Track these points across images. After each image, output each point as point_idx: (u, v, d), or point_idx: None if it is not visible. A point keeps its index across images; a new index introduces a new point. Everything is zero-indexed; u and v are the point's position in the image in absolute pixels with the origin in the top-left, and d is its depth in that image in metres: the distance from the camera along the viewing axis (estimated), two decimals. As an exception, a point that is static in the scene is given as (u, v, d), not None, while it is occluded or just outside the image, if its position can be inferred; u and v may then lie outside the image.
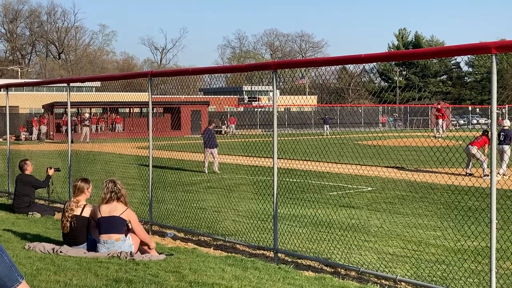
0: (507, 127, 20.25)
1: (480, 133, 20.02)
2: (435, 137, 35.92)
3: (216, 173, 20.83)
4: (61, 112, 47.76)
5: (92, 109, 52.35)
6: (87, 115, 43.51)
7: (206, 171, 21.13)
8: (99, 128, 50.78)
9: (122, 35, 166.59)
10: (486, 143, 19.32)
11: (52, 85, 19.59)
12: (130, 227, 8.69)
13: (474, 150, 19.43)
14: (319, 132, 47.25)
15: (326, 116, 53.02)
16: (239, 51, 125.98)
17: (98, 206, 8.73)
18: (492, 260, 6.68)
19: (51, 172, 13.30)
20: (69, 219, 8.81)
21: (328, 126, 50.60)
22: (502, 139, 19.78)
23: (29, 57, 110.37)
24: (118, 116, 52.28)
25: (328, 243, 9.48)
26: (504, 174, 18.86)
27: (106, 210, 8.58)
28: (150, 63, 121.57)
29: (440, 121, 40.19)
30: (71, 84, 14.43)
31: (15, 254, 8.24)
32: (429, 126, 56.59)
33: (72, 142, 14.35)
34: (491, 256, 6.69)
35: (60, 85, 17.18)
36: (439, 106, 43.28)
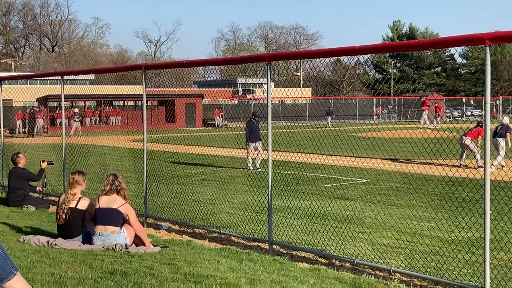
0: (506, 123, 20.33)
1: (475, 124, 20.08)
2: (423, 128, 36.13)
3: (257, 169, 19.41)
4: (55, 105, 47.61)
5: (86, 102, 52.22)
6: (76, 109, 43.31)
7: (251, 168, 19.59)
8: (93, 121, 50.68)
9: (116, 28, 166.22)
10: (480, 135, 19.36)
11: (45, 78, 19.53)
12: (127, 218, 8.72)
13: (467, 141, 19.48)
14: (314, 124, 47.21)
15: (330, 108, 53.12)
16: (233, 44, 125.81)
17: (97, 197, 8.79)
18: (486, 251, 6.71)
19: (44, 165, 13.28)
20: (65, 211, 8.83)
21: (331, 118, 50.70)
22: (499, 131, 19.82)
23: (22, 50, 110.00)
24: (113, 109, 52.16)
25: (323, 235, 9.50)
26: (503, 166, 18.76)
27: (105, 202, 8.63)
28: (144, 56, 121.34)
29: (425, 112, 40.60)
30: (65, 77, 14.40)
31: (10, 247, 8.24)
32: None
33: (32, 136, 14.35)
34: (485, 247, 6.72)
35: (54, 78, 17.15)
36: (423, 98, 43.70)
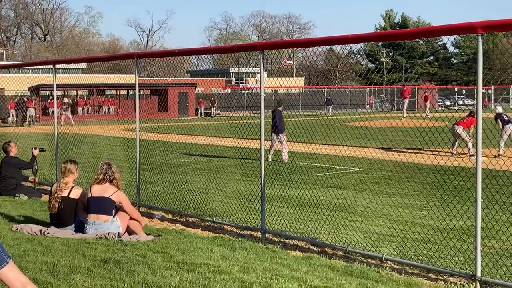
0: (499, 112, 20.50)
1: (467, 113, 20.14)
2: (405, 117, 36.39)
3: (284, 162, 18.17)
4: (47, 94, 47.40)
5: (78, 91, 52.08)
6: (66, 99, 43.15)
7: (270, 159, 18.61)
8: (85, 110, 50.52)
9: (108, 16, 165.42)
10: (472, 124, 19.41)
11: (37, 67, 19.48)
12: (119, 206, 8.73)
13: (459, 130, 19.54)
14: (307, 114, 47.24)
15: (329, 97, 53.13)
16: (226, 33, 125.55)
17: (89, 185, 8.79)
18: (477, 239, 6.76)
19: (36, 152, 13.26)
20: (58, 200, 8.82)
21: (331, 107, 50.69)
22: (507, 119, 19.97)
23: (14, 39, 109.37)
24: (105, 98, 52.01)
25: (315, 223, 9.53)
26: (499, 155, 18.79)
27: (97, 191, 8.63)
28: (136, 45, 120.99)
29: (406, 101, 40.95)
30: (57, 66, 14.35)
31: (2, 236, 8.24)
32: (415, 107, 56.86)
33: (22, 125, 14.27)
34: (477, 235, 6.76)
35: (46, 67, 17.09)
36: (405, 87, 44.01)
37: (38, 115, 43.47)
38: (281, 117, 19.25)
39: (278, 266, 7.07)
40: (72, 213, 8.90)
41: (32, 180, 13.56)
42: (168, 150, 21.05)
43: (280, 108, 19.58)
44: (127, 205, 8.77)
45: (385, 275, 7.02)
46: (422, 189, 12.92)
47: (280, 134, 18.88)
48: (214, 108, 53.75)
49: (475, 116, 6.87)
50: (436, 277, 7.25)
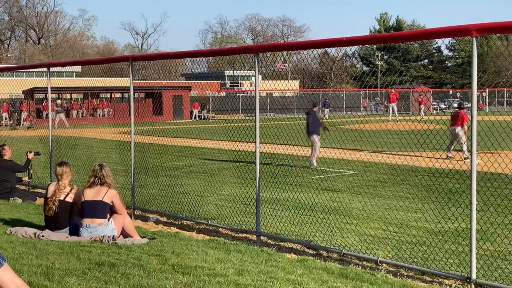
0: None
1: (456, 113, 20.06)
2: (388, 120, 36.58)
3: (313, 166, 17.69)
4: (41, 97, 47.32)
5: (72, 94, 52.04)
6: (59, 101, 43.05)
7: (315, 164, 17.84)
8: (80, 113, 50.46)
9: (102, 20, 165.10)
10: (465, 120, 19.33)
11: (32, 70, 19.43)
12: (113, 207, 8.71)
13: (458, 129, 19.52)
14: (302, 117, 47.18)
15: (327, 100, 53.23)
16: (221, 36, 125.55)
17: (82, 189, 8.75)
18: (472, 241, 6.76)
19: (30, 155, 13.23)
20: (55, 203, 8.78)
21: (328, 110, 50.80)
22: None
23: (8, 42, 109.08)
24: (99, 102, 51.95)
25: (310, 226, 9.53)
26: None
27: (90, 194, 8.60)
28: (131, 48, 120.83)
29: (392, 104, 41.19)
30: (51, 69, 14.32)
31: (-3, 239, 8.21)
32: (410, 109, 56.97)
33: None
34: (471, 237, 6.77)
35: (40, 70, 17.06)
36: (393, 90, 44.21)
37: (31, 120, 43.34)
38: (318, 119, 18.64)
39: (273, 268, 7.06)
40: (67, 216, 8.87)
41: (27, 181, 13.53)
42: (163, 153, 21.03)
43: (315, 109, 19.03)
44: (117, 202, 8.72)
45: (380, 277, 7.02)
46: (417, 191, 12.93)
47: (316, 136, 18.18)
48: (205, 111, 53.99)
49: (463, 108, 6.89)
50: (431, 279, 7.26)
